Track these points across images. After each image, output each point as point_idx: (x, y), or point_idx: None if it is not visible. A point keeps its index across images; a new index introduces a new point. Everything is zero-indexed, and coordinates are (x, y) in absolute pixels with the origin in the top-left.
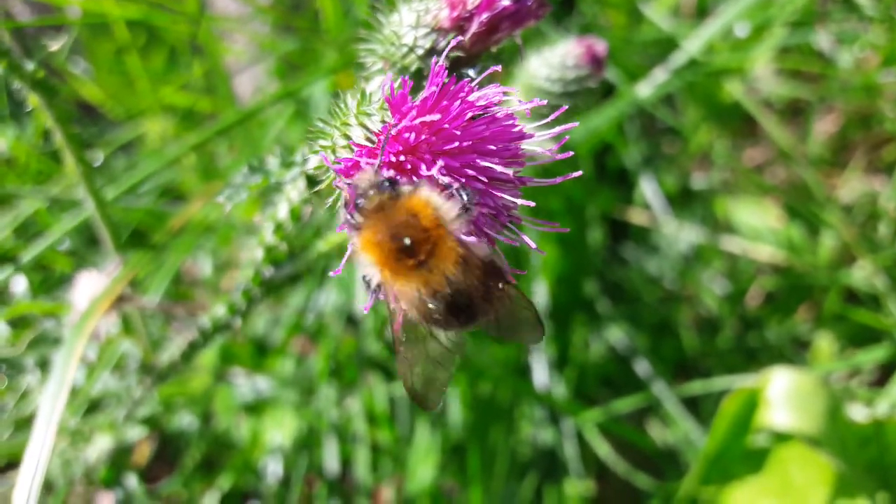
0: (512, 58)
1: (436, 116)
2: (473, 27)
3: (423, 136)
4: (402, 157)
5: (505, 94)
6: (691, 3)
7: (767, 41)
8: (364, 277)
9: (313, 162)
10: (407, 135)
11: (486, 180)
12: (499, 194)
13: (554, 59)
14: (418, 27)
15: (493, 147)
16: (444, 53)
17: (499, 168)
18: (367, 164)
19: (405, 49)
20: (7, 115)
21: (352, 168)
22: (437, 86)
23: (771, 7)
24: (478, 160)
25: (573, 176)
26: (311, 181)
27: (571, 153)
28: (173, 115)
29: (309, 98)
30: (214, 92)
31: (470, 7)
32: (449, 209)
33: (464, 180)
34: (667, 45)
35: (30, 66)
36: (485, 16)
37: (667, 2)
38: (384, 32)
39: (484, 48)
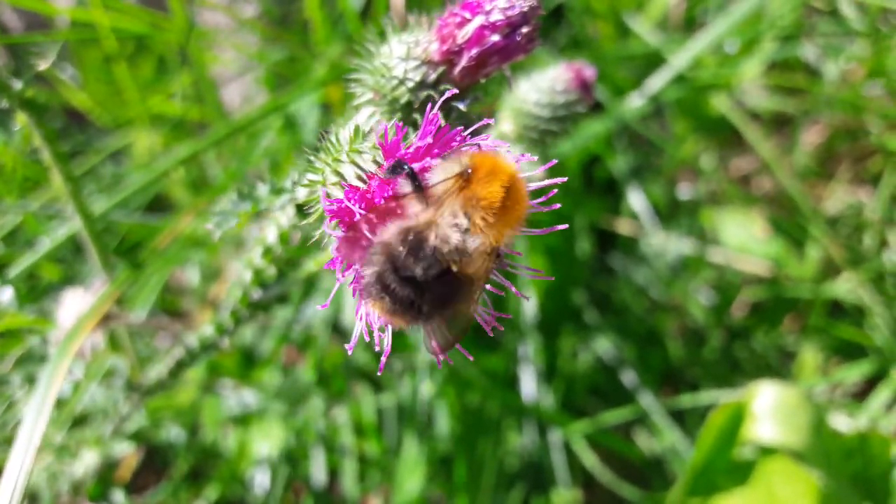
0: (501, 84)
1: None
2: (463, 61)
3: None
4: (392, 204)
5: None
6: (679, 14)
7: (756, 56)
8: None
9: (303, 193)
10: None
11: None
12: None
13: (543, 84)
14: (408, 59)
15: None
16: (440, 103)
17: None
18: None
19: (395, 81)
20: None
21: (343, 212)
22: (431, 134)
23: (759, 22)
24: None
25: (558, 228)
26: (301, 209)
27: (559, 205)
28: (162, 124)
29: (298, 111)
30: (203, 101)
31: (460, 41)
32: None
33: None
34: (655, 57)
35: (18, 84)
36: (474, 51)
37: (654, 14)
38: (374, 63)
39: (473, 81)
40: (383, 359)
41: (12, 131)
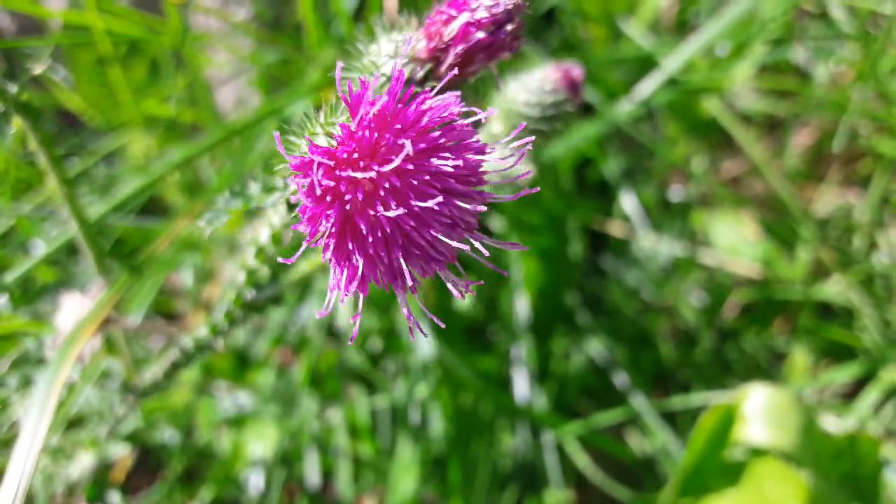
0: (489, 85)
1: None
2: (449, 58)
3: (376, 137)
4: (355, 156)
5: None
6: (671, 17)
7: (747, 59)
8: None
9: (294, 187)
10: (361, 133)
11: (439, 187)
12: (456, 203)
13: (532, 84)
14: (396, 57)
15: (448, 154)
16: (406, 58)
17: (451, 163)
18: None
19: (384, 79)
20: None
21: (306, 165)
22: (397, 93)
23: (751, 25)
24: (433, 161)
25: (532, 192)
26: (292, 206)
27: (531, 172)
28: (156, 126)
29: (292, 116)
30: (196, 103)
31: (446, 39)
32: None
33: (416, 182)
34: (647, 60)
35: (13, 88)
36: (460, 48)
37: (646, 17)
38: (363, 62)
39: (460, 79)
40: (356, 325)
41: (7, 134)
